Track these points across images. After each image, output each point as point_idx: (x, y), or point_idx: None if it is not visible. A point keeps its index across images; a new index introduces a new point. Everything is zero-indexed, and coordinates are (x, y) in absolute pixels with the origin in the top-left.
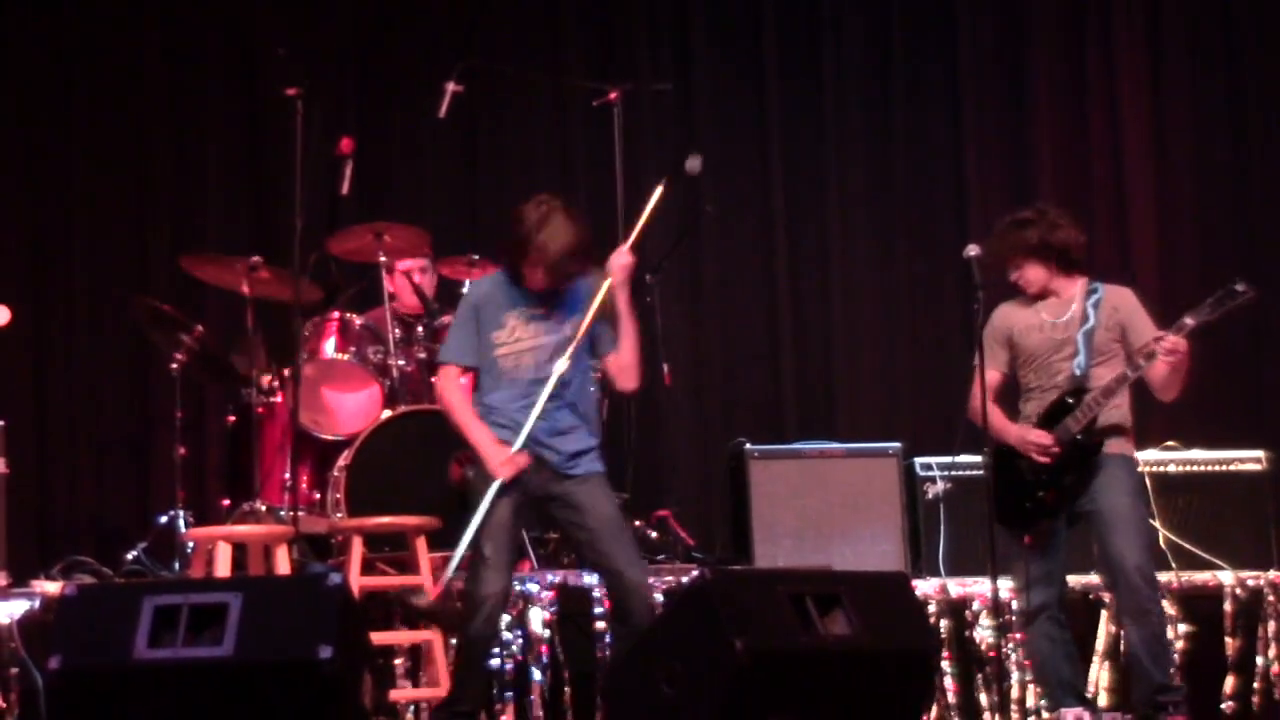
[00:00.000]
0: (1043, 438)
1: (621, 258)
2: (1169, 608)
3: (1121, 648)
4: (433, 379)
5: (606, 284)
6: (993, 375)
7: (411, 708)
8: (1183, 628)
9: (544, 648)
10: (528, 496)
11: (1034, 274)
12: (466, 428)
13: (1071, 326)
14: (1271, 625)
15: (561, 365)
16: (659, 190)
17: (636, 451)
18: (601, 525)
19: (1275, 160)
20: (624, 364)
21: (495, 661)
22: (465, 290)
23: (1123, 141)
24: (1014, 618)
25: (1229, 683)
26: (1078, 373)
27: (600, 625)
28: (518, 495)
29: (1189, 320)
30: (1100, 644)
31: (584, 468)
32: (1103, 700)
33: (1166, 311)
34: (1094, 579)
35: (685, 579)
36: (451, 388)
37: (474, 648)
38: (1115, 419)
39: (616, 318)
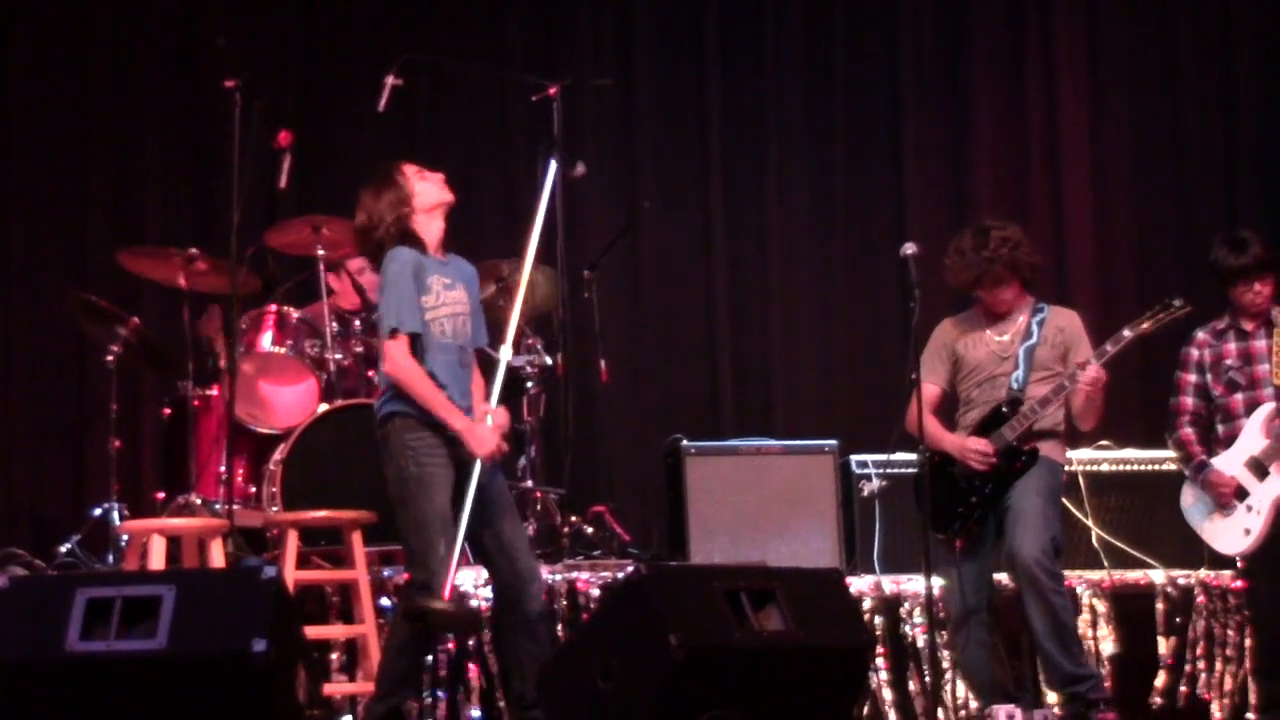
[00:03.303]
0: (983, 445)
1: None
2: (1099, 605)
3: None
4: (386, 347)
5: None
6: (933, 389)
7: (347, 702)
8: (1111, 626)
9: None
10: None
11: (1011, 293)
12: (438, 407)
13: (1015, 342)
14: (1200, 624)
15: (506, 353)
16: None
17: (573, 447)
18: (506, 510)
19: (1209, 160)
20: None
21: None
22: (390, 256)
23: (1060, 144)
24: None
25: (1160, 680)
26: (1015, 386)
27: None
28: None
29: (1126, 333)
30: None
31: None
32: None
33: (1103, 314)
34: None
35: (621, 574)
36: (410, 361)
37: (425, 643)
38: (1049, 426)
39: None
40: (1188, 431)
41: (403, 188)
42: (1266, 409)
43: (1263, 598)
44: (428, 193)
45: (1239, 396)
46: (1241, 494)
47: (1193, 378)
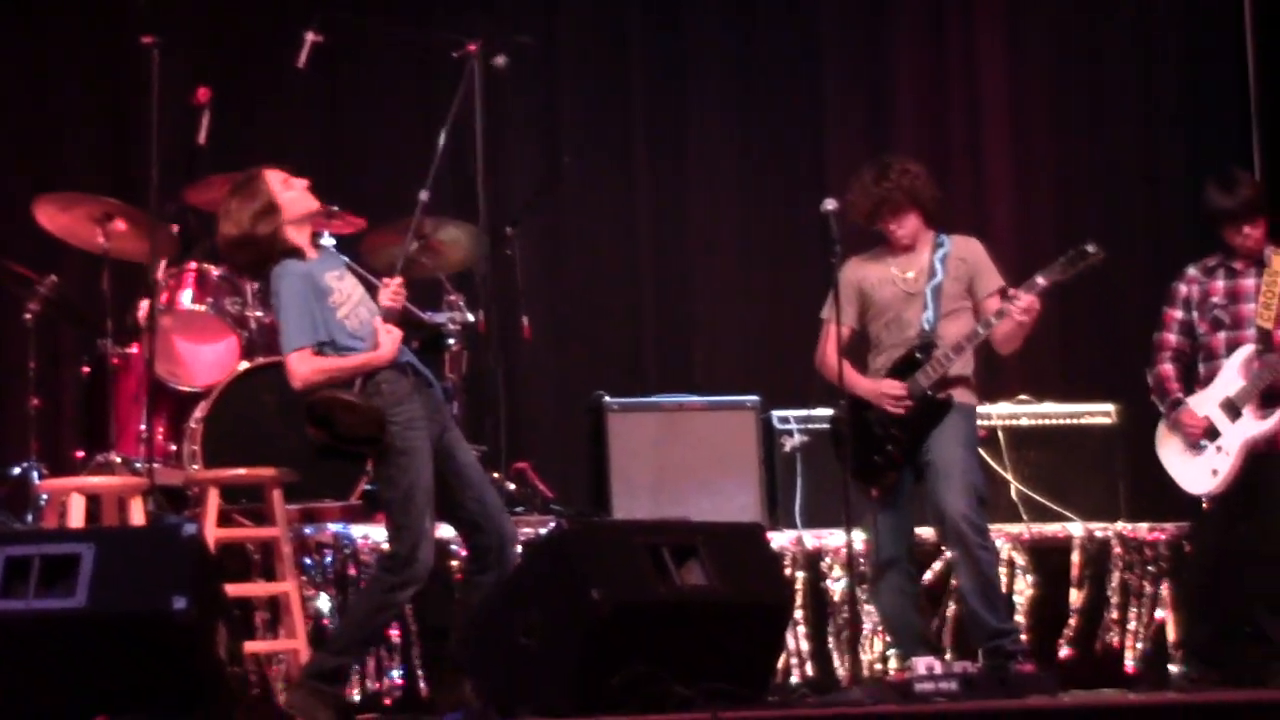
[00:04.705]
0: (897, 388)
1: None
2: (1018, 558)
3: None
4: (288, 361)
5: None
6: (843, 330)
7: (270, 659)
8: (1030, 578)
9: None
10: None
11: (912, 225)
12: (359, 365)
13: (920, 280)
14: (1116, 576)
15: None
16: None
17: (496, 404)
18: (477, 471)
19: (1129, 114)
20: None
21: None
22: (280, 272)
23: (980, 95)
24: (866, 570)
25: (1070, 626)
26: (926, 328)
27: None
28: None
29: (1040, 280)
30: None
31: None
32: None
33: (1023, 270)
34: None
35: (543, 531)
36: (312, 361)
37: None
38: (960, 371)
39: None
40: (1167, 368)
41: (268, 197)
42: (1246, 350)
43: (1209, 540)
44: (295, 203)
45: (1221, 335)
46: (1213, 434)
47: (1179, 314)
